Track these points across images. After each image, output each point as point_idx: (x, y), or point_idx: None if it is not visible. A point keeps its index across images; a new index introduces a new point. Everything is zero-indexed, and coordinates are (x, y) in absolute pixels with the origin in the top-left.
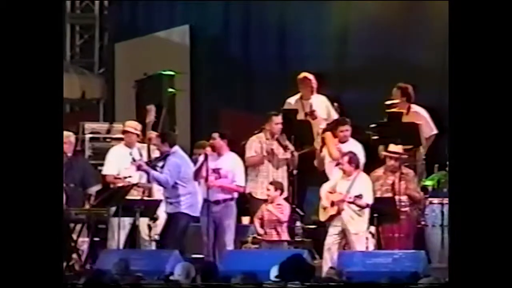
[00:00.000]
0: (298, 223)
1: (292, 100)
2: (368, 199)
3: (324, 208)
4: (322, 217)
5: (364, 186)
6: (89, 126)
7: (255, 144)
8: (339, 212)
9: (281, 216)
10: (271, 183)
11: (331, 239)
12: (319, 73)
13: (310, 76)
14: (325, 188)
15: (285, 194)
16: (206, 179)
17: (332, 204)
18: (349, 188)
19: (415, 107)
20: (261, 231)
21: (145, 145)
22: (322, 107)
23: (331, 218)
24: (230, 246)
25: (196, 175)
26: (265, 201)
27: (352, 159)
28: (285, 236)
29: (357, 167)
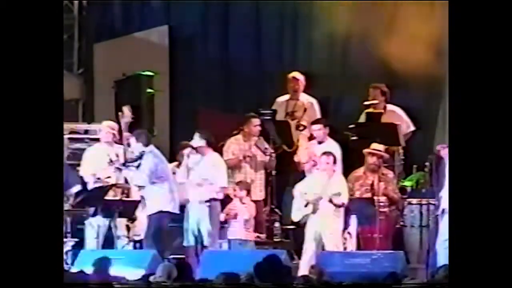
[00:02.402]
0: (276, 224)
1: (281, 99)
2: (344, 198)
3: (299, 208)
4: (296, 217)
5: (340, 185)
6: (67, 126)
7: (233, 146)
8: (314, 212)
9: (247, 215)
10: (237, 183)
11: (309, 241)
12: (307, 74)
13: (298, 76)
14: (298, 189)
15: (253, 193)
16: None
17: (307, 204)
18: (324, 187)
19: (390, 106)
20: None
21: (121, 146)
22: (302, 109)
23: (305, 218)
24: (212, 246)
25: (179, 175)
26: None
27: (330, 158)
28: (252, 236)
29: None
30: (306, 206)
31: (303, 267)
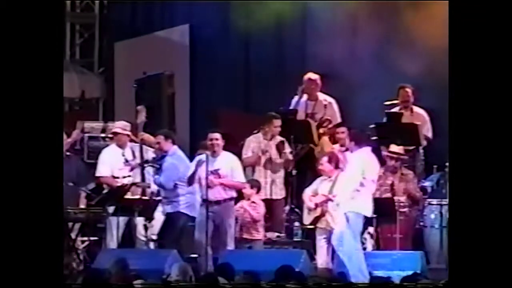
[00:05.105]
0: (296, 223)
1: (297, 99)
2: None
3: (309, 212)
4: (307, 220)
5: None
6: (88, 125)
7: (252, 144)
8: (323, 214)
9: (255, 214)
10: (248, 181)
11: (320, 242)
12: (323, 74)
13: (313, 77)
14: (307, 193)
15: (262, 192)
16: (207, 180)
17: (316, 206)
18: (330, 189)
19: (417, 109)
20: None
21: (138, 145)
22: (322, 110)
23: (316, 220)
24: (230, 246)
25: (194, 178)
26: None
27: (331, 158)
28: (260, 236)
29: (336, 167)
30: (315, 209)
31: (320, 268)
